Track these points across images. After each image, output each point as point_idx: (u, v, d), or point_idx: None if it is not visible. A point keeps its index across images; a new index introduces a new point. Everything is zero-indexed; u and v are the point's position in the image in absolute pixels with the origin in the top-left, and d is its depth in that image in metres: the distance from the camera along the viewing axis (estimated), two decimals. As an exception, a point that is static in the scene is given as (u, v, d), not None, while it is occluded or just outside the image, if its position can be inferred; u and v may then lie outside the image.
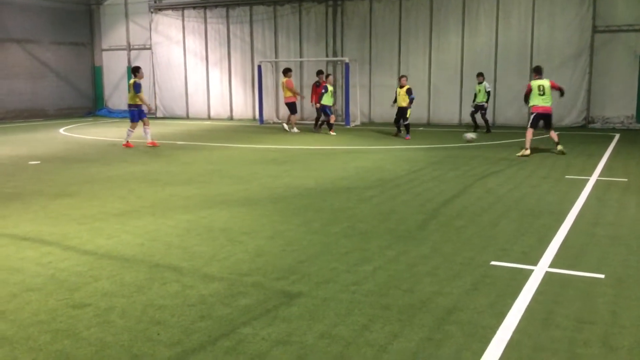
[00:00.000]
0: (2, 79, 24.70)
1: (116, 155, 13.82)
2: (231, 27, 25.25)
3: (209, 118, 25.96)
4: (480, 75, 18.32)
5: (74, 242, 6.32)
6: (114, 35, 28.43)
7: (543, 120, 13.17)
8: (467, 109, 21.26)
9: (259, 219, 7.39)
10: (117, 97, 28.52)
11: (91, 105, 28.52)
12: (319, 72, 20.08)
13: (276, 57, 24.36)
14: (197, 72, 26.34)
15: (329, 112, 18.46)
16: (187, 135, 18.80)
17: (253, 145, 15.74)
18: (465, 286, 4.93)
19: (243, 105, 25.50)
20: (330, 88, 18.42)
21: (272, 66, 24.36)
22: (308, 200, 8.54)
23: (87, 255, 5.87)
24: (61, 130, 20.41)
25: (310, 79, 23.82)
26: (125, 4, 27.67)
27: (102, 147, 15.47)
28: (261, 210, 7.88)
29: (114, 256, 5.85)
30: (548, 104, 13.04)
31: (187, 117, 26.47)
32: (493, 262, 5.54)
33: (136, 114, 15.18)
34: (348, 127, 20.97)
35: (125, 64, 28.05)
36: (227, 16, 25.23)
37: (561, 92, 13.24)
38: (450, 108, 21.54)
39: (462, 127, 20.34)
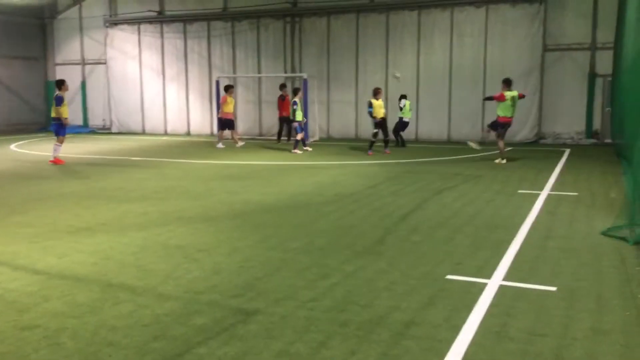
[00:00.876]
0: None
1: (69, 172, 13.49)
2: (189, 42, 25.11)
3: (166, 133, 25.66)
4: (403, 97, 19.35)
5: (24, 262, 6.13)
6: (68, 50, 27.90)
7: (503, 129, 14.00)
8: (424, 124, 21.66)
9: (217, 235, 7.32)
10: (71, 112, 27.84)
11: (44, 121, 27.83)
12: (282, 86, 20.11)
13: (234, 72, 24.31)
14: (154, 87, 26.05)
15: (299, 129, 17.90)
16: (142, 151, 18.52)
17: (211, 160, 15.61)
18: (421, 300, 4.97)
19: (200, 121, 25.31)
20: (299, 103, 18.12)
21: (230, 81, 24.29)
22: (267, 216, 8.50)
23: (38, 275, 5.69)
24: (12, 147, 19.84)
25: (268, 94, 23.88)
26: (80, 19, 27.23)
27: (54, 164, 15.08)
28: (219, 226, 7.80)
29: (66, 275, 5.69)
30: (513, 115, 13.86)
31: (143, 133, 26.09)
32: (449, 276, 5.61)
33: (58, 127, 14.78)
34: (307, 142, 21.00)
35: (80, 79, 27.54)
36: (185, 31, 25.09)
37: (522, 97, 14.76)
38: (410, 123, 21.85)
39: (418, 142, 20.65)
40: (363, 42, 22.30)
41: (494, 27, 20.50)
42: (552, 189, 10.66)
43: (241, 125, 23.93)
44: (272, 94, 23.93)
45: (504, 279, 5.53)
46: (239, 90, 24.12)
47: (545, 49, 20.02)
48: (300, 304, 4.90)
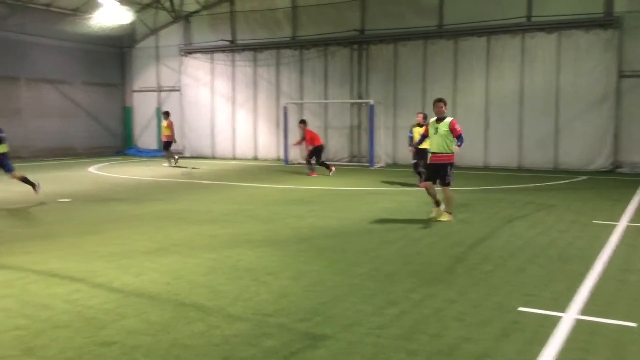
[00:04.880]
0: (35, 118, 25.41)
1: (144, 194, 14.02)
2: (258, 69, 25.78)
3: (234, 158, 26.27)
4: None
5: (101, 280, 6.39)
6: (144, 77, 29.19)
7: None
8: (492, 151, 21.25)
9: (284, 259, 7.40)
10: (147, 136, 29.11)
11: (120, 145, 29.10)
12: (302, 122, 19.69)
13: (302, 98, 24.72)
14: (224, 112, 26.84)
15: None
16: (212, 174, 19.02)
17: (277, 185, 15.85)
18: (493, 332, 4.84)
19: (268, 146, 25.80)
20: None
21: (298, 107, 24.71)
22: (332, 241, 8.53)
23: (114, 293, 5.92)
24: (91, 169, 20.82)
25: (334, 120, 24.14)
26: (156, 48, 28.48)
27: (130, 186, 15.72)
28: (285, 250, 7.89)
29: (141, 294, 5.89)
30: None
31: (213, 157, 26.82)
32: (521, 308, 5.44)
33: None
34: (372, 168, 21.04)
35: (155, 105, 28.71)
36: (255, 59, 25.78)
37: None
38: (475, 151, 21.51)
39: (488, 169, 20.25)
40: (430, 68, 22.23)
41: (567, 53, 19.99)
42: (631, 220, 10.20)
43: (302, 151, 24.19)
44: (338, 120, 24.17)
45: (580, 313, 5.31)
46: (306, 116, 24.47)
47: (621, 75, 19.32)
48: (368, 330, 4.88)
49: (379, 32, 23.00)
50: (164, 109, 28.45)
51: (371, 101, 21.41)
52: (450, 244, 8.26)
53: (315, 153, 18.60)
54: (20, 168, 20.48)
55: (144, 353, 4.41)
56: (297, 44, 24.72)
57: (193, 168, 20.99)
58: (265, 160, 25.33)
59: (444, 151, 10.10)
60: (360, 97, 23.48)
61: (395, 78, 22.88)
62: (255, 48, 25.65)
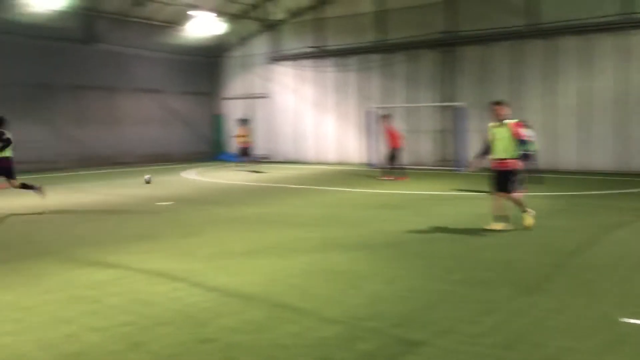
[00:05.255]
0: (133, 126, 26.82)
1: (236, 198, 14.44)
2: (345, 74, 25.96)
3: (321, 162, 26.54)
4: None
5: (200, 279, 6.64)
6: (234, 85, 30.12)
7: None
8: (587, 154, 20.26)
9: (375, 263, 7.39)
10: (236, 143, 29.96)
11: (213, 151, 30.15)
12: (385, 116, 19.60)
13: (388, 103, 24.63)
14: (311, 118, 27.22)
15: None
16: (300, 179, 19.30)
17: (365, 189, 15.85)
18: (598, 344, 4.61)
19: (354, 150, 25.88)
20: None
21: (385, 112, 24.64)
22: (424, 246, 8.43)
23: (213, 292, 6.14)
24: (185, 174, 21.69)
25: (423, 124, 23.88)
26: (245, 56, 29.34)
27: (223, 190, 16.25)
28: (378, 254, 7.88)
29: (238, 294, 6.07)
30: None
31: (300, 162, 27.23)
32: (628, 320, 5.14)
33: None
34: (461, 172, 20.61)
35: (244, 112, 29.55)
36: (341, 64, 25.98)
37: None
38: (569, 153, 20.58)
39: (583, 173, 19.31)
40: (521, 69, 21.53)
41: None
42: None
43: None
44: (426, 124, 23.89)
45: (696, 327, 4.96)
46: (393, 121, 24.39)
47: None
48: (464, 338, 4.78)
49: (467, 34, 22.55)
50: (254, 115, 29.30)
51: (459, 104, 21.00)
52: (548, 251, 7.94)
53: (393, 155, 18.49)
54: (119, 174, 21.66)
55: (243, 351, 4.54)
56: (383, 48, 24.68)
57: (256, 172, 21.56)
58: (352, 164, 25.42)
59: (505, 157, 9.40)
60: (449, 100, 23.08)
61: (485, 80, 22.33)
62: (342, 53, 25.83)
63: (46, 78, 23.42)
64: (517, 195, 9.65)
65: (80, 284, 6.50)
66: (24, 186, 12.58)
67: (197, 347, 4.64)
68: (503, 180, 9.49)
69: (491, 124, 9.71)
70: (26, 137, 22.40)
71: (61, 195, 14.97)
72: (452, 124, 23.05)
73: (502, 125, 9.47)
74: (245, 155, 22.73)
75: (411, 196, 14.40)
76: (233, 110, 30.17)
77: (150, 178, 18.14)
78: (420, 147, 23.96)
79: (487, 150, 9.82)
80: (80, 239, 9.24)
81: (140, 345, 4.68)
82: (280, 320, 5.26)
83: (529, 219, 9.57)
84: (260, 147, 29.25)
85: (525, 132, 9.55)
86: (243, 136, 22.65)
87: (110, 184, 18.12)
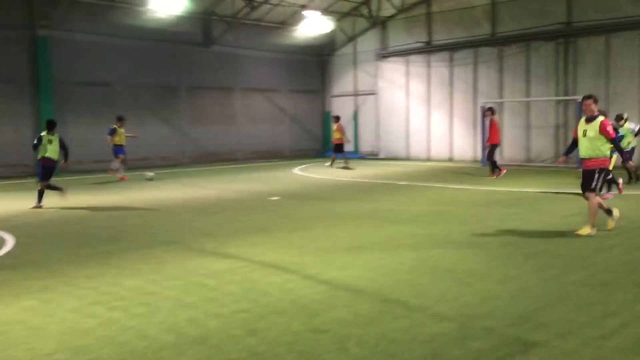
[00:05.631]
0: (248, 124, 27.86)
1: (344, 194, 14.61)
2: (455, 69, 25.40)
3: (429, 159, 26.16)
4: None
5: (311, 272, 6.81)
6: (343, 83, 30.41)
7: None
8: None
9: (487, 261, 7.21)
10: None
11: (320, 147, 30.64)
12: (489, 110, 18.78)
13: (501, 97, 23.81)
14: (419, 114, 26.89)
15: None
16: (408, 175, 19.16)
17: (474, 186, 15.45)
18: None
19: (464, 147, 25.27)
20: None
21: (497, 106, 23.84)
22: (537, 245, 8.10)
23: (324, 285, 6.28)
24: (295, 170, 22.22)
25: (537, 119, 22.89)
26: (354, 54, 29.51)
27: (331, 186, 16.50)
28: (489, 252, 7.68)
29: (348, 287, 6.16)
30: None
31: (408, 158, 27.00)
32: None
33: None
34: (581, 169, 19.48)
35: (352, 109, 29.76)
36: (451, 59, 25.44)
37: None
38: None
39: None
40: (650, 59, 20.01)
41: None
42: None
43: (508, 151, 23.28)
44: (542, 119, 22.86)
45: None
46: (506, 115, 23.56)
47: None
48: (585, 340, 4.56)
49: (588, 24, 21.27)
50: (361, 112, 29.45)
51: (579, 98, 19.85)
52: (680, 254, 7.36)
53: (492, 150, 17.89)
54: (232, 170, 22.51)
55: (355, 343, 4.61)
56: (497, 41, 23.87)
57: (347, 168, 21.69)
58: (461, 161, 24.84)
59: (594, 155, 8.72)
60: (566, 94, 21.92)
61: (608, 72, 20.97)
62: (452, 48, 25.29)
63: (169, 80, 24.89)
64: (596, 199, 8.85)
65: (200, 272, 6.89)
66: (49, 187, 12.99)
67: (311, 336, 4.77)
68: (588, 179, 8.86)
69: (581, 119, 9.09)
70: (151, 136, 24.00)
71: (179, 190, 15.88)
72: (567, 119, 21.88)
73: (591, 121, 8.83)
74: (339, 152, 22.88)
75: (523, 194, 13.86)
76: (342, 107, 30.48)
77: (152, 176, 18.71)
78: (533, 143, 22.97)
79: (574, 146, 9.28)
80: (197, 230, 9.76)
81: (258, 331, 4.90)
82: (390, 314, 5.29)
83: (587, 229, 8.75)
84: (368, 144, 29.35)
85: (627, 128, 8.78)
86: (338, 132, 22.80)
87: (224, 179, 18.94)
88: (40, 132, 13.34)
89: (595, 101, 8.91)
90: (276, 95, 29.11)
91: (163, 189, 16.27)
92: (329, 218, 10.81)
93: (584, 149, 8.87)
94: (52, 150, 12.86)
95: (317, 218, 10.84)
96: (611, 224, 9.00)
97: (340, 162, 22.93)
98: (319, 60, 30.81)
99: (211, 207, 12.56)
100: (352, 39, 29.45)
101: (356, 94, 29.78)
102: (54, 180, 13.26)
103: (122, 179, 18.61)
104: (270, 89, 28.81)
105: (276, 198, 13.80)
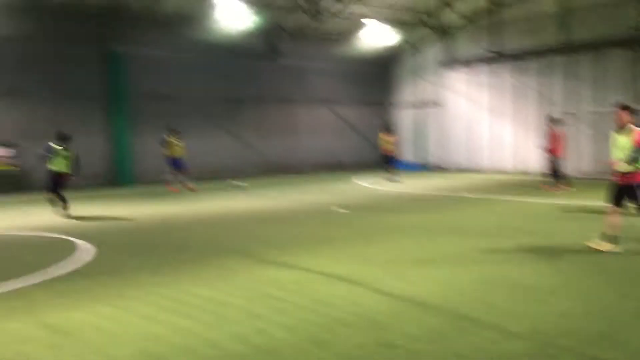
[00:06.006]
0: (311, 135, 28.08)
1: (409, 206, 14.45)
2: (522, 78, 24.74)
3: (496, 171, 25.54)
4: None
5: (379, 285, 6.74)
6: (406, 94, 30.21)
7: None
8: None
9: (562, 277, 6.94)
10: (407, 151, 30.03)
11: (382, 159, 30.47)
12: (554, 120, 17.85)
13: (573, 107, 23.00)
14: (484, 124, 26.34)
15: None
16: (473, 187, 18.76)
17: (545, 200, 14.94)
18: None
19: (533, 158, 24.52)
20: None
21: (567, 117, 23.05)
22: (614, 261, 7.73)
23: (391, 298, 6.20)
24: (358, 181, 22.18)
25: (611, 129, 21.96)
26: (418, 64, 29.29)
27: (395, 198, 16.36)
28: (560, 267, 7.39)
29: (416, 301, 6.06)
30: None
31: (473, 170, 26.47)
32: None
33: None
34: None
35: (415, 120, 29.52)
36: (520, 68, 24.82)
37: None
38: None
39: None
40: None
41: None
42: None
43: (577, 163, 22.44)
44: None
45: None
46: (580, 127, 22.75)
47: None
48: (672, 364, 4.31)
49: (666, 29, 20.30)
50: (425, 123, 29.14)
51: (657, 107, 18.92)
52: None
53: (553, 163, 17.11)
54: (295, 181, 22.58)
55: (425, 359, 4.53)
56: (567, 49, 23.11)
57: (395, 181, 21.25)
58: (529, 173, 24.11)
59: (624, 169, 8.22)
60: (642, 103, 20.96)
61: (688, 79, 19.93)
62: (521, 56, 24.66)
63: (235, 93, 25.45)
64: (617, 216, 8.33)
65: (267, 283, 6.95)
66: (59, 198, 13.54)
67: (381, 351, 4.71)
68: (617, 193, 8.36)
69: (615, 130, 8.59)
70: (218, 147, 24.60)
71: (245, 201, 16.13)
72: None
73: (624, 132, 8.36)
74: (390, 163, 22.57)
75: (595, 207, 13.29)
76: (405, 118, 30.27)
77: (243, 185, 19.15)
78: (608, 154, 22.04)
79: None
80: (264, 240, 9.87)
81: (326, 344, 4.88)
82: (461, 330, 5.16)
83: (600, 244, 8.28)
84: (431, 155, 29.00)
85: None
86: (388, 143, 22.48)
87: (289, 190, 19.12)
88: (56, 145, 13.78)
89: (630, 111, 8.40)
90: (339, 107, 29.22)
91: (230, 199, 16.58)
92: (395, 230, 10.71)
93: (620, 162, 8.36)
94: (59, 163, 13.50)
95: (383, 230, 10.76)
96: (600, 245, 8.38)
97: (389, 174, 22.61)
98: (381, 71, 30.73)
99: (277, 218, 12.69)
100: (415, 49, 29.25)
101: (419, 104, 29.51)
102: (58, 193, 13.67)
103: (173, 190, 18.97)
104: (333, 101, 28.95)
105: (341, 209, 13.80)
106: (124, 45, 22.08)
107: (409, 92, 30.00)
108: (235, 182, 19.48)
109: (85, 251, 9.18)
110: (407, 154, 29.94)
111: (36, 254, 9.19)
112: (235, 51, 25.02)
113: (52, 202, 13.83)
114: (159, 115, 22.88)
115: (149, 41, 22.81)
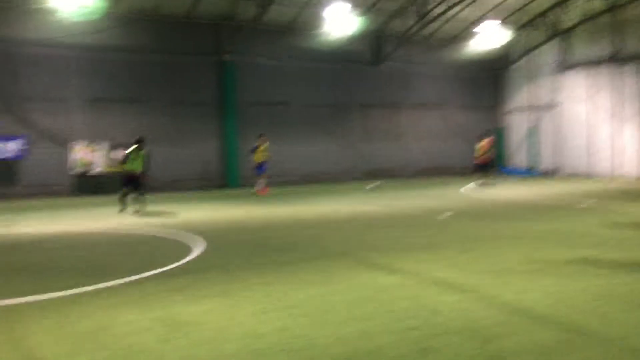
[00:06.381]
0: (417, 140, 27.75)
1: (517, 213, 13.84)
2: (648, 80, 23.05)
3: (617, 177, 23.89)
4: None
5: (485, 293, 6.48)
6: (517, 97, 29.07)
7: None
8: None
9: (692, 294, 6.32)
10: (519, 156, 28.88)
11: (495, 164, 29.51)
12: None
13: None
14: (605, 128, 24.77)
15: None
16: (591, 194, 17.64)
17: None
18: None
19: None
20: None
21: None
22: None
23: (499, 308, 5.93)
24: (465, 187, 21.58)
25: None
26: (530, 67, 28.08)
27: (502, 204, 15.74)
28: (694, 284, 6.74)
29: (525, 313, 5.76)
30: None
31: (591, 176, 24.94)
32: None
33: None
34: None
35: (528, 124, 28.30)
36: (643, 69, 23.15)
37: None
38: None
39: None
40: None
41: None
42: None
43: None
44: None
45: None
46: None
47: None
48: None
49: None
50: (538, 128, 27.88)
51: None
52: None
53: None
54: (401, 186, 22.29)
55: (535, 373, 4.27)
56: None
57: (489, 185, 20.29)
58: (655, 181, 22.36)
59: None
60: None
61: None
62: (644, 56, 23.01)
63: (341, 98, 25.69)
64: None
65: (370, 286, 6.89)
66: (139, 195, 14.76)
67: (485, 362, 4.51)
68: None
69: None
70: (323, 152, 24.95)
71: (350, 205, 16.18)
72: None
73: None
74: (485, 170, 21.92)
75: None
76: (517, 122, 29.13)
77: (374, 187, 18.91)
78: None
79: None
80: (367, 244, 9.83)
81: (430, 351, 4.74)
82: (574, 345, 4.83)
83: None
84: (545, 161, 27.68)
85: None
86: (485, 149, 21.88)
87: (392, 195, 18.95)
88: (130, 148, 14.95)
89: None
90: (445, 111, 28.66)
91: (333, 203, 16.70)
92: (502, 238, 10.28)
93: None
94: (134, 164, 14.80)
95: (489, 237, 10.36)
96: None
97: (485, 180, 21.95)
98: (491, 75, 29.80)
99: (380, 222, 12.61)
100: (528, 51, 28.08)
101: (532, 108, 28.26)
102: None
103: (262, 193, 19.32)
104: (440, 105, 28.44)
105: (447, 215, 13.47)
106: (235, 54, 22.97)
107: (522, 96, 28.85)
108: (370, 186, 19.87)
109: (195, 248, 9.58)
110: (519, 159, 28.79)
111: (150, 249, 9.72)
112: (341, 57, 25.27)
113: (121, 202, 14.94)
114: (267, 121, 23.57)
115: (258, 50, 23.60)
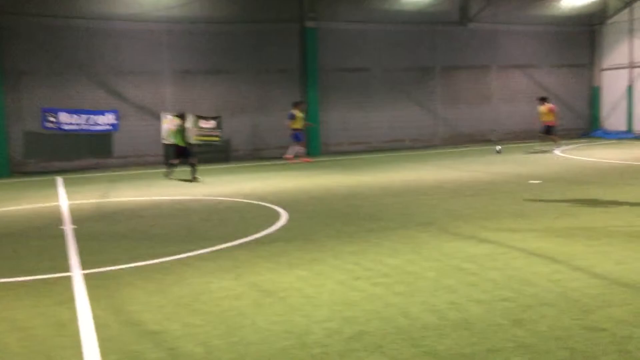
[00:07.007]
0: (504, 103, 26.70)
1: (615, 178, 13.12)
2: None
3: None
4: None
5: (581, 263, 6.24)
6: (615, 55, 27.25)
7: None
8: None
9: None
10: (615, 118, 27.24)
11: (586, 126, 28.02)
12: None
13: None
14: None
15: None
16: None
17: None
18: None
19: None
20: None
21: None
22: None
23: (596, 279, 5.70)
24: (556, 151, 20.68)
25: None
26: (630, 21, 26.18)
27: (599, 169, 14.97)
28: None
29: (626, 283, 5.51)
30: None
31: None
32: None
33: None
34: None
35: (626, 84, 26.53)
36: None
37: None
38: None
39: None
40: None
41: None
42: None
43: None
44: None
45: None
46: None
47: None
48: None
49: None
50: (637, 86, 26.12)
51: None
52: None
53: None
54: (487, 151, 21.66)
55: (637, 345, 4.10)
56: None
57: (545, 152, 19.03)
58: None
59: None
60: None
61: None
62: None
63: (424, 61, 25.06)
64: None
65: (458, 256, 6.80)
66: (191, 166, 15.58)
67: (585, 334, 4.37)
68: None
69: None
70: (407, 118, 24.56)
71: (433, 172, 15.92)
72: None
73: None
74: (549, 133, 20.94)
75: None
76: (614, 81, 27.37)
77: (501, 149, 18.99)
78: None
79: None
80: (453, 213, 9.65)
81: (523, 322, 4.65)
82: (682, 319, 4.57)
83: None
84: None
85: None
86: (545, 114, 21.08)
87: (478, 161, 18.45)
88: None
89: None
90: (536, 72, 27.30)
91: (417, 170, 16.49)
92: (598, 204, 9.81)
93: None
94: (177, 137, 16.04)
95: (584, 204, 9.91)
96: None
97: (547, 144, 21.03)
98: (586, 31, 28.02)
99: (466, 190, 12.32)
100: (628, 4, 26.13)
101: (633, 66, 26.43)
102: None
103: (292, 161, 19.40)
104: (530, 65, 27.11)
105: (537, 181, 12.98)
106: (318, 20, 22.86)
107: (621, 53, 26.99)
108: (499, 147, 20.26)
109: (281, 217, 9.78)
110: (616, 122, 27.16)
111: (239, 218, 10.02)
112: (424, 19, 24.56)
113: (167, 174, 16.14)
114: (348, 88, 23.44)
115: (341, 15, 23.34)
